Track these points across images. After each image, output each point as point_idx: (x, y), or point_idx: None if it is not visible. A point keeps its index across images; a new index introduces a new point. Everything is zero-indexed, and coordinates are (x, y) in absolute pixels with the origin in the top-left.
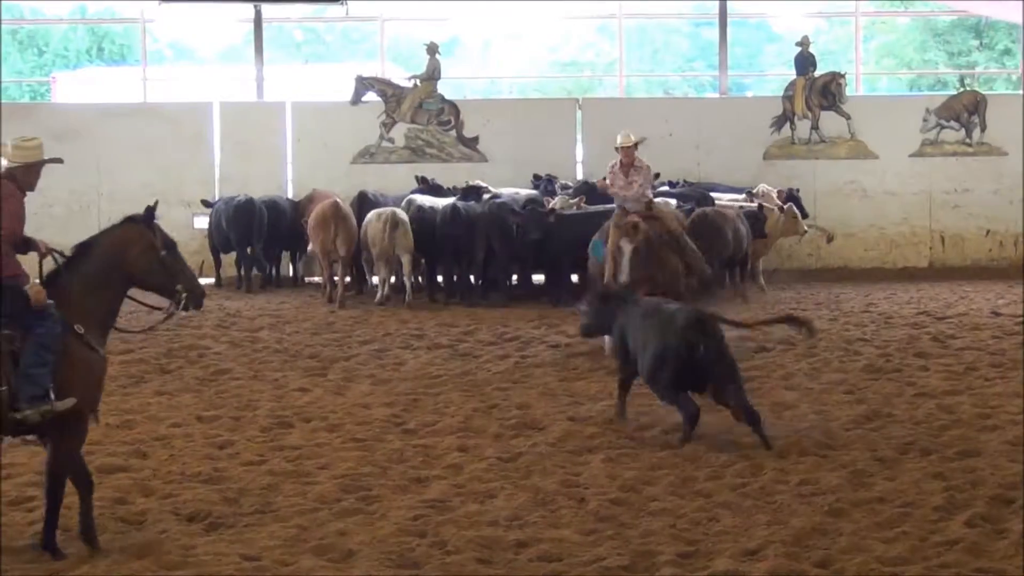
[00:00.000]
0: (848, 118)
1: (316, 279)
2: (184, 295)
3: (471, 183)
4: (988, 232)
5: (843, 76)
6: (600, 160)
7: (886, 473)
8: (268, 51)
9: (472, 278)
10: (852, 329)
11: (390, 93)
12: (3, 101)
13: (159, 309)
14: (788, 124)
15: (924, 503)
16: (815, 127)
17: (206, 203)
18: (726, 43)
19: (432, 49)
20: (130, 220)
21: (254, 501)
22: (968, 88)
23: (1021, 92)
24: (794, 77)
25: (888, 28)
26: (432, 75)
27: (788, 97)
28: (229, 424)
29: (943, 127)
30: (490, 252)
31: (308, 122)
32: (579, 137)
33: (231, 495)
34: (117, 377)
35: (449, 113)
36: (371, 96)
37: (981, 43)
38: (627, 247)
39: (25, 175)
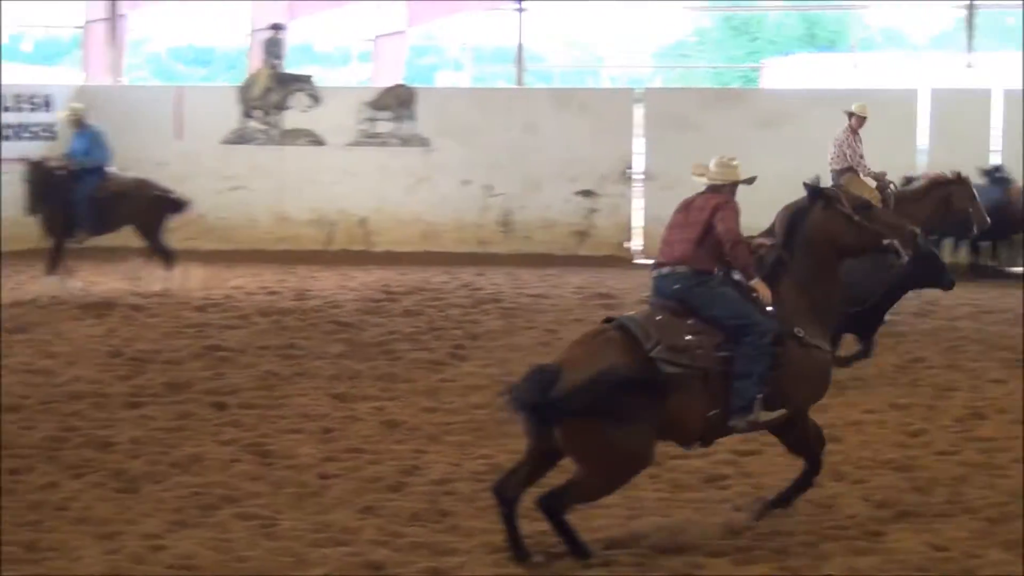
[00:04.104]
0: None
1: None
2: (896, 244)
3: None
4: None
5: None
6: None
7: None
8: (979, 37)
9: None
10: None
11: None
12: (716, 86)
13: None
14: None
15: None
16: None
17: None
18: None
19: None
20: (813, 200)
21: (944, 492)
22: None
23: None
24: None
25: None
26: None
27: None
28: (922, 413)
29: None
30: None
31: (1018, 110)
32: None
33: (921, 484)
34: None
35: None
36: None
37: None
38: None
39: (731, 191)
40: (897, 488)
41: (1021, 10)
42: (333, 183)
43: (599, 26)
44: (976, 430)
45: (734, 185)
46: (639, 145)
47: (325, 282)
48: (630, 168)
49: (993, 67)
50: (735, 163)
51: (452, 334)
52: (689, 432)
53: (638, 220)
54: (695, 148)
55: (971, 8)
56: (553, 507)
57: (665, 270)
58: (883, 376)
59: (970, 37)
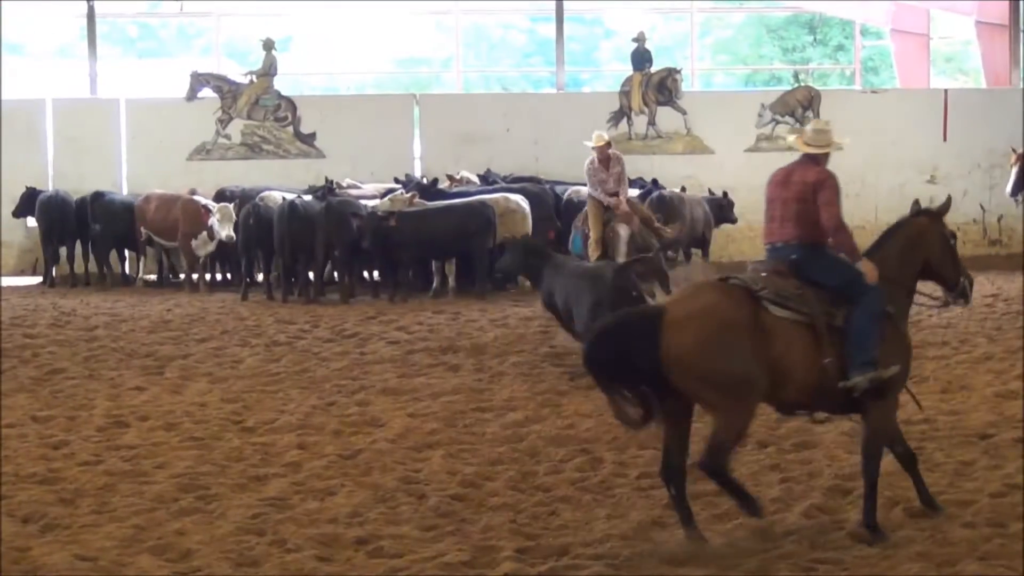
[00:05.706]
0: (684, 113)
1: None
2: (966, 286)
3: (332, 182)
4: None
5: (679, 72)
6: (439, 156)
7: None
8: (102, 47)
9: (310, 275)
10: None
11: (226, 89)
12: None
13: (934, 301)
14: (625, 119)
15: (761, 495)
16: (652, 122)
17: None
18: (562, 39)
19: (268, 45)
20: (923, 212)
21: (90, 502)
22: (802, 84)
23: (855, 87)
24: (630, 73)
25: (723, 24)
26: (268, 71)
27: (625, 93)
28: (64, 424)
29: (778, 122)
30: (329, 248)
31: (143, 119)
32: (417, 133)
33: (67, 496)
34: None
35: (286, 109)
36: (207, 92)
37: (815, 39)
38: (624, 232)
39: (825, 158)
40: (42, 501)
41: (139, 21)
42: None
43: None
44: (119, 439)
45: (828, 153)
46: None
47: None
48: None
49: (116, 76)
50: (830, 127)
51: None
52: (800, 382)
53: None
54: None
55: (91, 17)
56: (713, 466)
57: (779, 244)
58: (22, 389)
59: (92, 46)
